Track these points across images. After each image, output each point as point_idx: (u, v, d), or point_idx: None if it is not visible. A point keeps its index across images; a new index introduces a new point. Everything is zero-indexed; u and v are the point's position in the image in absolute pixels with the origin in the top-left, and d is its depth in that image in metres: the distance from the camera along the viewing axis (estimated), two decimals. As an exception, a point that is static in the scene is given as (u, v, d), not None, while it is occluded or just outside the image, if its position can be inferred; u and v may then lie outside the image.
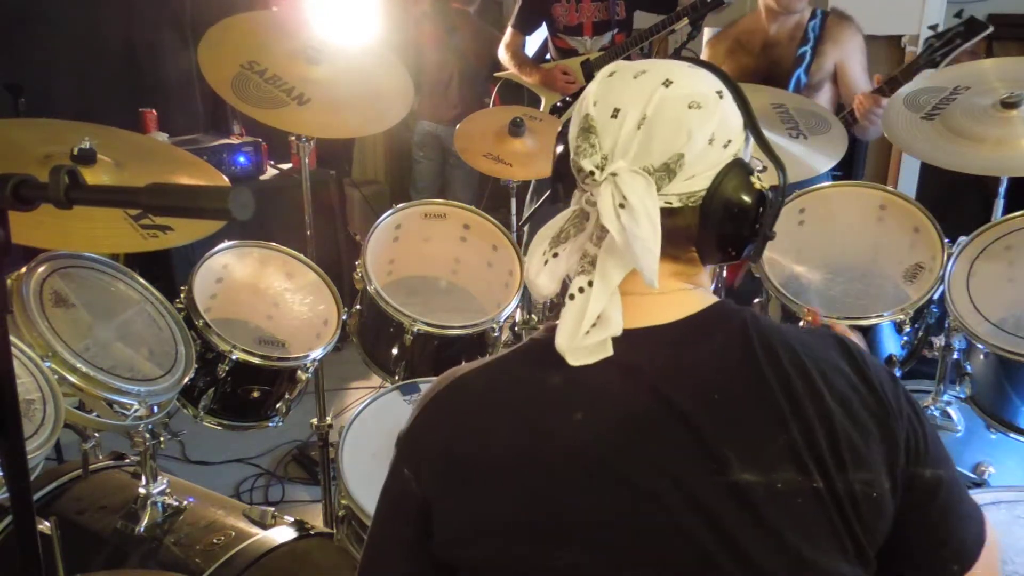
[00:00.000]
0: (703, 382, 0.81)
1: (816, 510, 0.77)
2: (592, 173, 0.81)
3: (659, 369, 0.81)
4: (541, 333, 0.88)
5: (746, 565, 0.76)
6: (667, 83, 0.81)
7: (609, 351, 0.81)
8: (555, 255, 0.84)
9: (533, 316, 2.16)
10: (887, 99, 2.09)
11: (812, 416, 0.78)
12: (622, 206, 0.78)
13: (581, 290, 0.82)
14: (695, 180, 0.81)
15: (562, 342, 0.81)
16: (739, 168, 0.82)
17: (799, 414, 0.78)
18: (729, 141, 0.83)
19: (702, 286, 0.89)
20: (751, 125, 0.86)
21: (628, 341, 0.81)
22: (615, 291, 0.82)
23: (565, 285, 0.86)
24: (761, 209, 0.82)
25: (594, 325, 0.81)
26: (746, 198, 0.81)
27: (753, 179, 0.82)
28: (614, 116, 0.81)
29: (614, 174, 0.79)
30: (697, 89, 0.82)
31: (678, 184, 0.80)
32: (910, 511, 0.82)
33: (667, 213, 0.80)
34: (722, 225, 0.82)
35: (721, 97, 0.83)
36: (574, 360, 0.81)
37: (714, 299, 0.87)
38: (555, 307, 2.11)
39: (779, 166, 0.88)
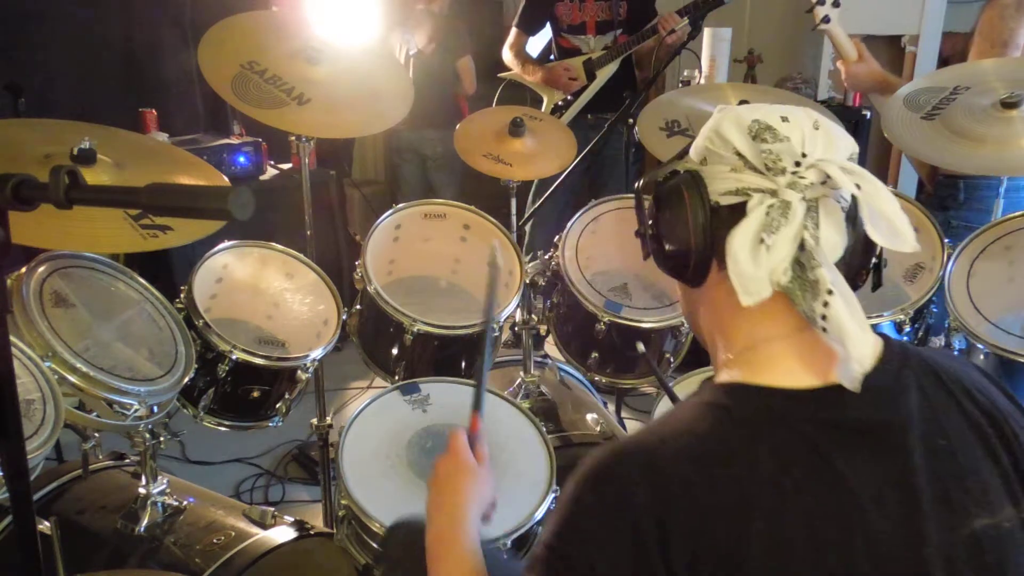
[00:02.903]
0: (926, 432, 0.77)
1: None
2: (803, 155, 0.78)
3: (885, 425, 0.77)
4: (715, 396, 0.80)
5: None
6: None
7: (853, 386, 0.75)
8: (768, 248, 0.77)
9: (533, 316, 2.16)
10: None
11: (1011, 440, 0.79)
12: (850, 175, 0.76)
13: (832, 282, 0.75)
14: None
15: (859, 344, 0.74)
16: None
17: (1004, 443, 0.79)
18: None
19: None
20: None
21: (836, 392, 0.76)
22: None
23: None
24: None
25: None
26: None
27: None
28: (785, 120, 0.80)
29: (821, 159, 0.78)
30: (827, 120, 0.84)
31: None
32: None
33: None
34: (867, 240, 0.81)
35: None
36: (856, 381, 0.74)
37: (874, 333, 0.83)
38: (555, 307, 2.10)
39: None
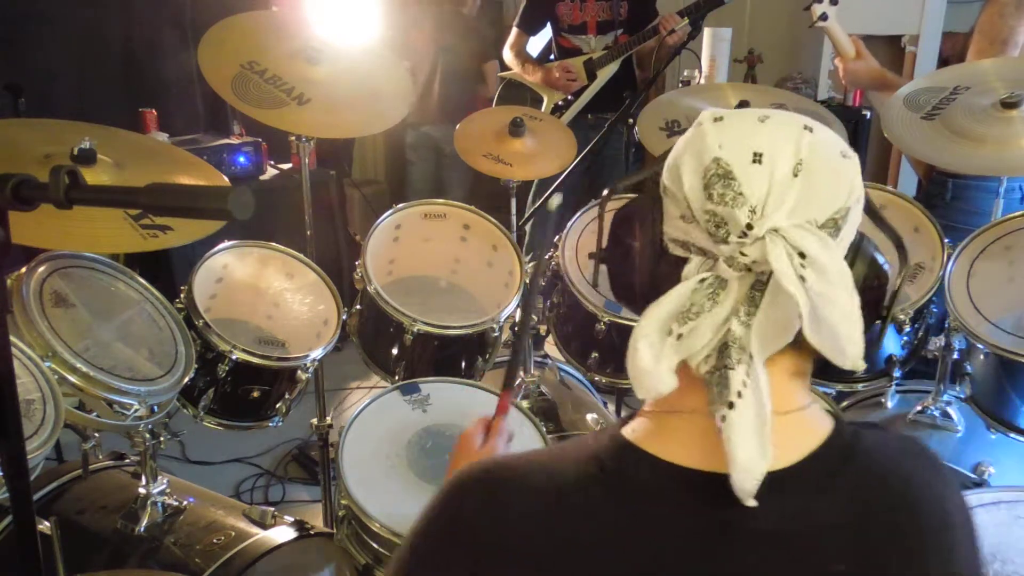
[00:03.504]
0: (826, 552, 0.66)
1: None
2: (749, 226, 0.64)
3: (797, 536, 0.66)
4: (607, 450, 0.71)
5: None
6: (808, 128, 0.67)
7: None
8: (679, 336, 0.66)
9: (533, 316, 2.16)
10: None
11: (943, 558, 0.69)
12: (803, 265, 0.62)
13: (744, 384, 0.64)
14: (843, 243, 0.67)
15: (749, 468, 0.62)
16: (868, 241, 0.70)
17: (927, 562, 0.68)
18: (859, 203, 0.70)
19: (813, 399, 0.73)
20: (868, 200, 0.72)
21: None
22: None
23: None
24: (885, 289, 0.71)
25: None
26: (878, 275, 0.70)
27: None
28: (757, 161, 0.65)
29: (776, 229, 0.63)
30: (839, 139, 0.69)
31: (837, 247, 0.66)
32: None
33: None
34: (876, 301, 0.70)
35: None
36: (750, 496, 0.63)
37: (830, 420, 0.71)
38: (555, 307, 2.10)
39: (900, 246, 0.76)
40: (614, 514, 0.67)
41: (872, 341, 0.68)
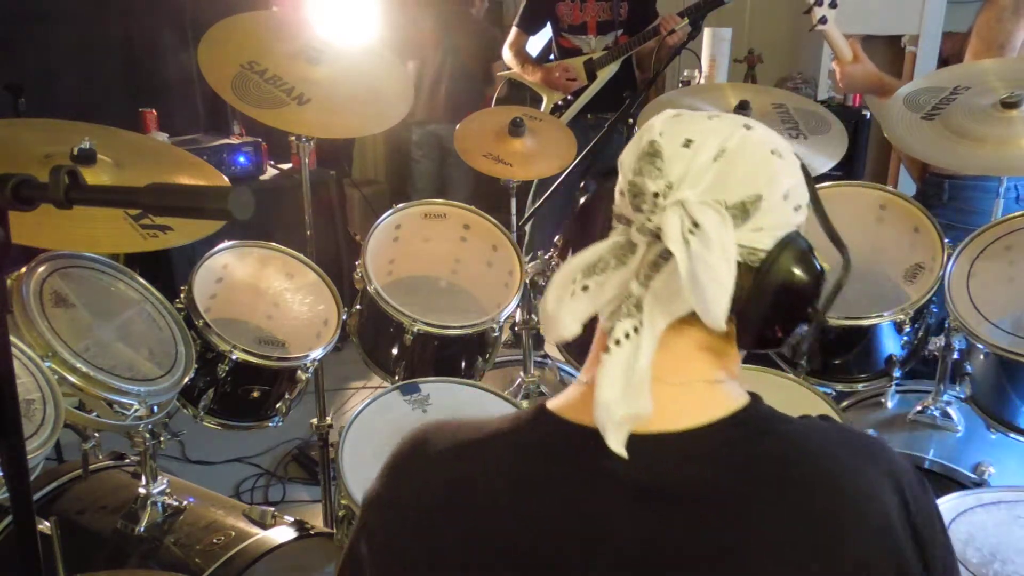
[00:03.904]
0: (722, 515, 0.68)
1: None
2: (656, 195, 0.70)
3: (674, 495, 0.69)
4: (527, 414, 0.77)
5: None
6: (747, 127, 0.73)
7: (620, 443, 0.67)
8: (584, 288, 0.72)
9: (533, 316, 2.16)
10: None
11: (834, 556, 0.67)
12: (692, 232, 0.67)
13: (627, 335, 0.69)
14: (762, 235, 0.71)
15: (608, 406, 0.67)
16: (803, 239, 0.74)
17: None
18: (799, 206, 0.74)
19: (732, 376, 0.76)
20: (814, 201, 0.77)
21: (629, 449, 0.68)
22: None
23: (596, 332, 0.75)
24: (818, 290, 0.73)
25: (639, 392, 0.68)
26: (807, 273, 0.72)
27: (816, 254, 0.73)
28: (686, 145, 0.71)
29: (681, 201, 0.68)
30: (778, 141, 0.74)
31: (746, 232, 0.70)
32: None
33: None
34: (778, 296, 0.71)
35: (797, 158, 0.75)
36: (616, 440, 0.67)
37: (745, 399, 0.74)
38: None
39: (842, 249, 0.79)
40: (508, 466, 0.74)
41: (800, 341, 0.75)
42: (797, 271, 0.72)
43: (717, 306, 0.67)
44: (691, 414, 0.72)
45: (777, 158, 0.73)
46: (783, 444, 0.72)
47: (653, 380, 0.69)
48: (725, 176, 0.70)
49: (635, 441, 0.68)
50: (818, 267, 0.73)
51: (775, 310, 0.72)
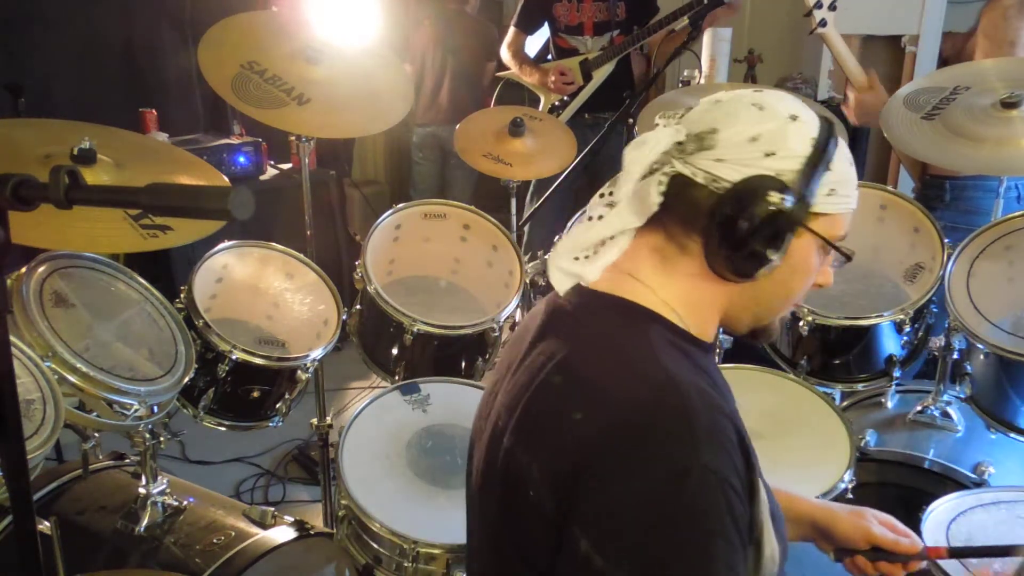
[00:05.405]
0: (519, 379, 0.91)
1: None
2: (663, 117, 0.90)
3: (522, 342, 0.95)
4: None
5: None
6: (757, 90, 0.89)
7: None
8: (610, 204, 0.91)
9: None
10: None
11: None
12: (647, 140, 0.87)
13: (600, 216, 0.90)
14: (724, 166, 0.83)
15: (559, 255, 0.92)
16: (772, 181, 0.82)
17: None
18: (773, 153, 0.83)
19: (661, 286, 0.89)
20: (812, 163, 0.85)
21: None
22: (621, 239, 0.89)
23: None
24: (769, 228, 0.82)
25: (587, 257, 0.90)
26: (758, 207, 0.81)
27: (776, 199, 0.81)
28: (708, 103, 0.89)
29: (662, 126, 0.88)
30: (774, 104, 0.86)
31: (704, 159, 0.84)
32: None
33: (688, 183, 0.84)
34: (728, 222, 0.82)
35: (793, 120, 0.85)
36: (553, 278, 0.93)
37: (629, 297, 0.89)
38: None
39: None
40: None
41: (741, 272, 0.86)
42: (749, 201, 0.82)
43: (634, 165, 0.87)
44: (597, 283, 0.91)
45: (756, 110, 0.85)
46: (570, 347, 0.89)
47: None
48: (703, 115, 0.87)
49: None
50: (772, 207, 0.81)
51: (729, 236, 0.83)
